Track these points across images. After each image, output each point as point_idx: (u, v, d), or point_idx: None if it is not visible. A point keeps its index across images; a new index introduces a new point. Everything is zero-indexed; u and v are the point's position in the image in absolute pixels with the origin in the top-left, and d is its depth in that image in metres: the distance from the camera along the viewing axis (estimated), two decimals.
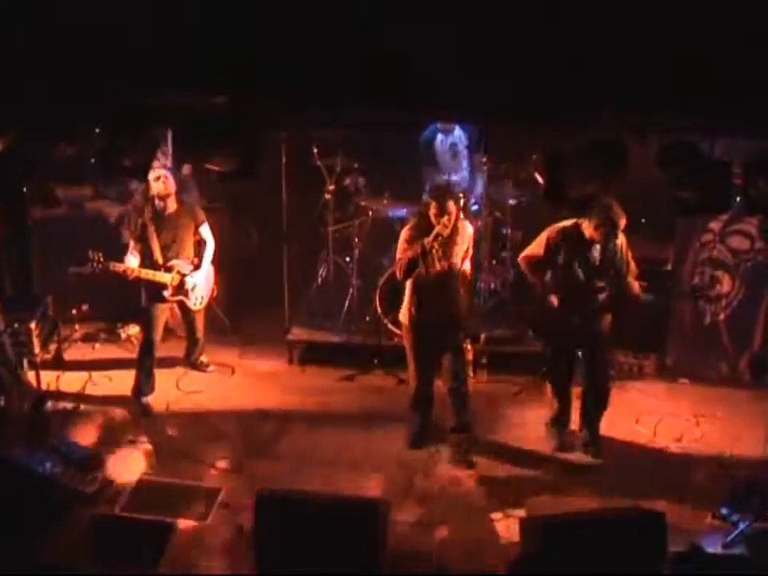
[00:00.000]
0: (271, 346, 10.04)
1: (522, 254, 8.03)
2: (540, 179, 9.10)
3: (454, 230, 7.72)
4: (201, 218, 9.00)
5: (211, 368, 9.67)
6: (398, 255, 7.82)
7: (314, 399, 9.11)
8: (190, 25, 5.71)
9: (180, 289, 8.84)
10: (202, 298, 9.14)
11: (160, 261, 8.70)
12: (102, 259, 8.53)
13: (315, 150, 10.10)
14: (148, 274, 8.65)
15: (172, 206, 8.72)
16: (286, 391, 9.27)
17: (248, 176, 6.92)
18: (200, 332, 9.48)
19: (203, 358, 9.67)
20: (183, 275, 8.82)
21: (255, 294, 10.57)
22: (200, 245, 9.06)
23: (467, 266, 8.04)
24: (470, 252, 8.08)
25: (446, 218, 7.51)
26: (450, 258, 7.76)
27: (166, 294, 8.77)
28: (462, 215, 7.98)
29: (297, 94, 6.07)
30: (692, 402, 9.01)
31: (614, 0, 5.26)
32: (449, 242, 7.72)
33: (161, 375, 9.12)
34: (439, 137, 10.21)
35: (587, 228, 7.54)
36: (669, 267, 9.50)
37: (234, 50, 5.90)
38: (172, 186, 8.63)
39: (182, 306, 9.06)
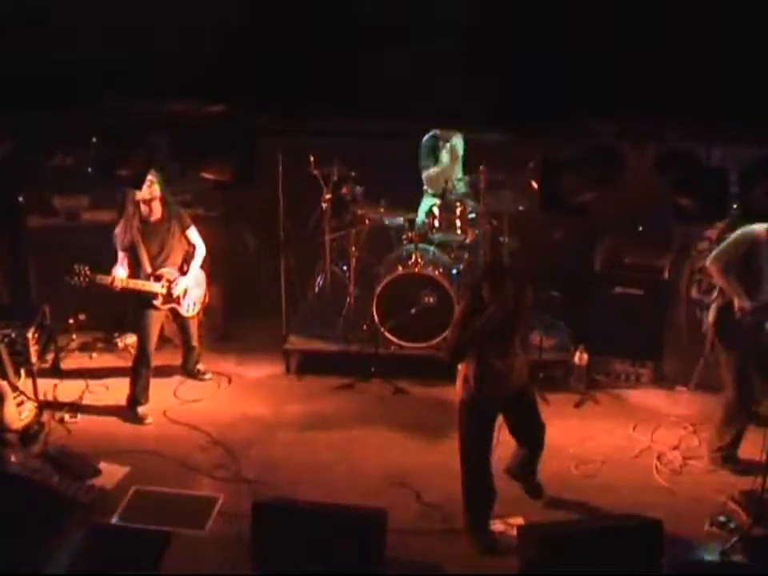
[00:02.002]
0: (268, 355, 10.04)
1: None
2: (536, 187, 9.14)
3: (516, 306, 6.80)
4: (187, 222, 8.97)
5: (208, 376, 9.66)
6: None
7: (312, 408, 9.10)
8: (186, 34, 5.71)
9: (170, 296, 8.84)
10: (195, 303, 9.15)
11: (149, 269, 8.71)
12: (88, 272, 8.55)
13: (312, 159, 10.11)
14: (137, 284, 8.66)
15: (157, 212, 8.70)
16: (283, 400, 9.26)
17: (244, 185, 6.92)
18: (195, 339, 9.48)
19: (200, 366, 9.66)
20: (172, 283, 8.84)
21: (252, 303, 10.58)
22: (190, 250, 9.06)
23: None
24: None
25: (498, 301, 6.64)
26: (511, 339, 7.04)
27: (157, 302, 8.77)
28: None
29: (293, 103, 6.07)
30: (690, 410, 9.01)
31: (611, 9, 5.26)
32: (511, 320, 6.92)
33: (158, 384, 9.14)
34: (438, 143, 10.19)
35: None
36: (666, 275, 9.50)
37: (230, 58, 5.90)
38: (156, 191, 8.61)
39: (175, 313, 9.06)
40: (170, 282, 8.81)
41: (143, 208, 8.63)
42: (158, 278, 8.75)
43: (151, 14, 5.71)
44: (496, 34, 5.51)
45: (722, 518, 7.19)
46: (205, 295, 9.32)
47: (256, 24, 5.77)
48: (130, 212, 8.67)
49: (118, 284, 8.59)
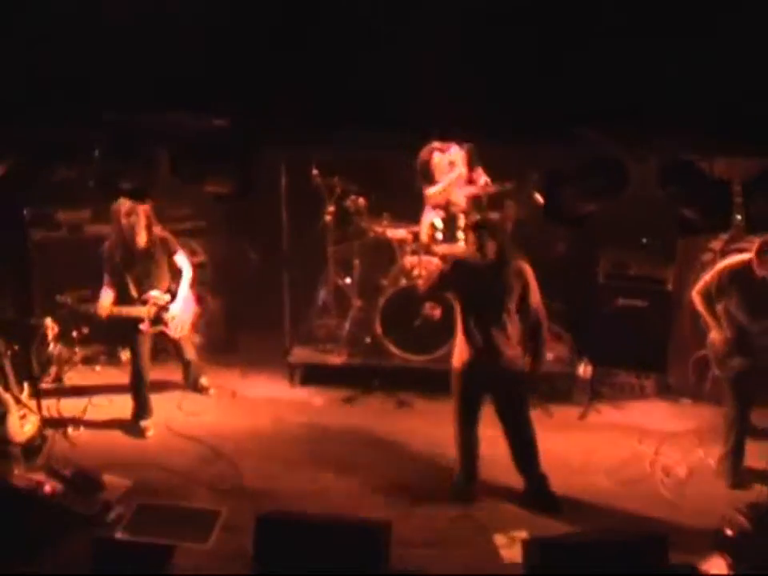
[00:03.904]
0: (272, 368, 10.04)
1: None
2: (541, 198, 9.14)
3: (503, 277, 7.45)
4: (174, 248, 9.00)
5: (212, 391, 9.66)
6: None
7: (315, 421, 9.10)
8: (188, 47, 5.73)
9: (158, 320, 8.87)
10: (182, 326, 9.14)
11: (134, 294, 8.74)
12: (70, 303, 8.69)
13: (315, 171, 10.11)
14: (121, 311, 8.72)
15: (142, 238, 8.69)
16: (286, 413, 9.26)
17: (245, 197, 6.94)
18: (190, 354, 9.49)
19: (204, 381, 9.66)
20: (160, 307, 8.85)
21: (255, 316, 10.57)
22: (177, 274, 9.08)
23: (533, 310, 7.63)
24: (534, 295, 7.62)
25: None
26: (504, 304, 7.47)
27: (143, 327, 8.80)
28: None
29: (295, 116, 6.09)
30: (695, 422, 8.98)
31: (614, 21, 5.28)
32: (496, 292, 7.45)
33: (162, 397, 9.19)
34: (436, 155, 10.18)
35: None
36: (670, 286, 9.49)
37: (232, 71, 5.93)
38: (142, 221, 8.62)
39: (164, 335, 9.09)
40: (158, 306, 8.84)
41: (127, 233, 8.64)
42: (144, 302, 8.77)
43: (152, 28, 5.73)
44: (498, 45, 5.53)
45: (727, 531, 7.16)
46: (194, 314, 9.36)
47: (258, 37, 5.80)
48: (114, 236, 8.71)
49: (102, 312, 8.67)
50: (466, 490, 7.77)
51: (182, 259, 9.06)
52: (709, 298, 7.88)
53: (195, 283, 9.29)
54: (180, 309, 9.02)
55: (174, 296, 8.97)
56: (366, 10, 5.59)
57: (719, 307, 7.86)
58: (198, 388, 9.62)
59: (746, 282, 7.68)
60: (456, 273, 7.58)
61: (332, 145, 7.92)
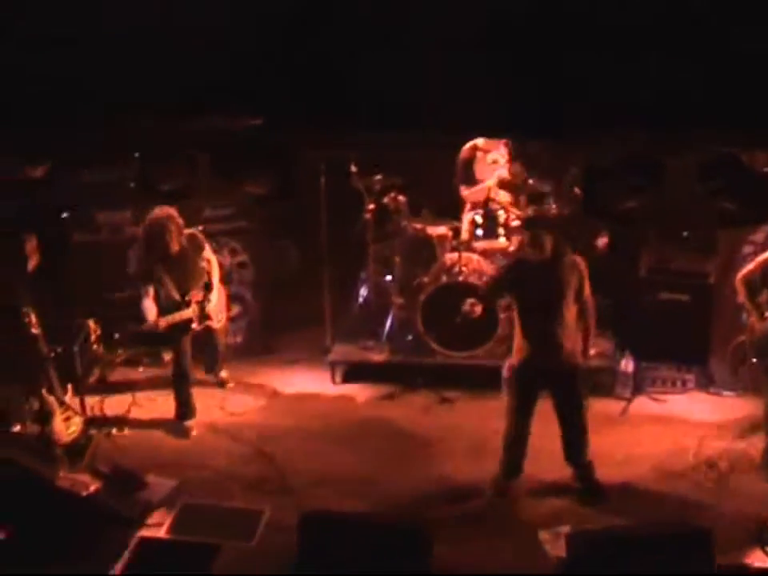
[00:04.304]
0: (312, 366, 10.09)
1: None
2: (580, 194, 9.14)
3: (561, 272, 7.50)
4: (202, 244, 9.07)
5: (231, 384, 9.75)
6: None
7: (357, 419, 9.16)
8: (224, 50, 5.79)
9: (203, 316, 8.99)
10: (222, 314, 9.34)
11: (177, 298, 8.83)
12: (135, 330, 8.95)
13: (354, 169, 10.14)
14: (174, 318, 8.78)
15: (175, 244, 8.70)
16: (328, 411, 9.31)
17: (286, 197, 6.99)
18: (220, 344, 9.62)
19: (224, 374, 9.77)
20: (201, 302, 8.97)
21: (296, 315, 10.64)
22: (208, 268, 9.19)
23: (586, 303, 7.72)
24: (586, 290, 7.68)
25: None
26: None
27: (194, 326, 8.93)
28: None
29: (333, 116, 6.13)
30: (738, 416, 8.94)
31: (649, 20, 5.28)
32: (554, 288, 7.49)
33: (205, 397, 9.25)
34: (478, 155, 10.20)
35: None
36: (711, 280, 9.45)
37: (270, 72, 5.97)
38: (172, 228, 8.61)
39: (207, 327, 9.21)
40: (199, 302, 8.95)
41: (160, 244, 8.64)
42: (188, 304, 8.88)
43: (188, 32, 5.79)
44: (538, 45, 5.54)
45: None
46: (227, 304, 9.52)
47: (294, 38, 5.84)
48: (144, 246, 8.80)
49: (163, 324, 8.71)
50: (508, 485, 7.80)
51: (208, 252, 9.16)
52: (752, 285, 7.87)
53: (235, 282, 9.38)
54: (217, 299, 9.16)
55: (209, 288, 9.09)
56: (402, 8, 5.62)
57: (762, 297, 7.85)
58: (218, 381, 9.73)
59: None
60: (516, 272, 7.66)
61: (371, 144, 7.95)
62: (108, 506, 7.43)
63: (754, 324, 7.94)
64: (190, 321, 8.88)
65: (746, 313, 8.14)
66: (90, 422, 8.73)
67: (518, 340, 7.61)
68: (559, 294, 7.42)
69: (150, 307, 8.75)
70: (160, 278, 8.73)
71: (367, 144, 7.61)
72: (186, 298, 8.85)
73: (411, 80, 5.78)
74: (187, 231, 8.94)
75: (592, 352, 8.51)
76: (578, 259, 7.59)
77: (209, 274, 9.12)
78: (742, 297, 8.01)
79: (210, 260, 9.18)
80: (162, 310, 8.76)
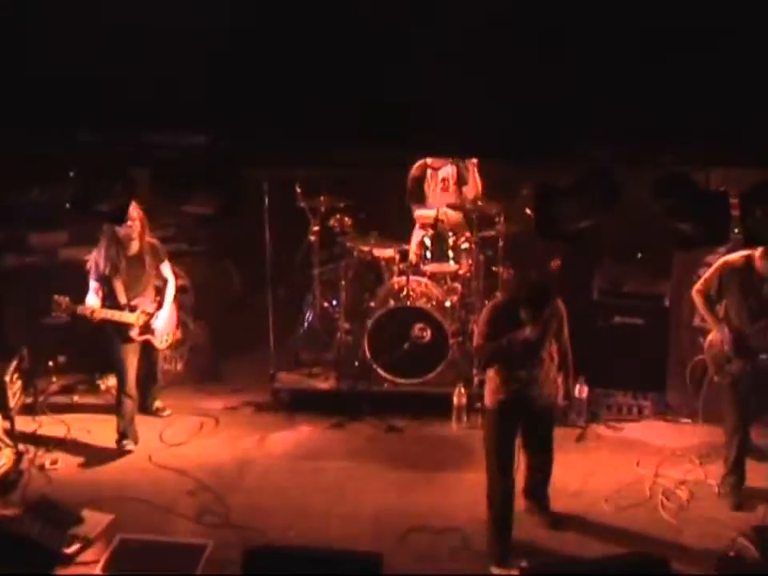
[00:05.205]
0: (257, 394, 10.00)
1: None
2: (532, 214, 9.15)
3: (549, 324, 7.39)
4: (162, 256, 9.07)
5: (168, 412, 9.63)
6: (476, 341, 7.45)
7: (302, 449, 9.06)
8: (166, 63, 5.71)
9: (146, 328, 8.88)
10: (168, 336, 9.20)
11: (123, 301, 8.74)
12: (68, 303, 8.63)
13: (299, 190, 10.11)
14: (114, 314, 8.70)
15: (136, 245, 8.77)
16: (272, 441, 9.22)
17: (228, 218, 6.91)
18: (158, 371, 9.54)
19: (159, 404, 9.66)
20: (148, 314, 8.88)
21: (239, 340, 10.57)
22: (162, 284, 9.15)
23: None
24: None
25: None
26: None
27: (133, 334, 8.81)
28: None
29: (278, 133, 6.07)
30: (695, 442, 8.97)
31: (605, 31, 5.28)
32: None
33: (143, 427, 9.13)
34: (429, 173, 10.21)
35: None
36: (666, 303, 9.50)
37: (212, 87, 5.91)
38: (137, 228, 8.68)
39: (147, 345, 9.06)
40: (146, 314, 8.87)
41: (121, 241, 8.68)
42: (132, 309, 8.79)
43: (128, 42, 5.71)
44: (491, 60, 5.53)
45: (731, 555, 7.14)
46: (176, 328, 9.39)
47: (238, 52, 5.78)
48: (105, 243, 8.71)
49: (98, 314, 8.65)
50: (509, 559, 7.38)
51: (167, 269, 9.13)
52: (709, 296, 7.92)
53: (178, 305, 9.32)
54: (166, 318, 9.06)
55: (159, 305, 9.02)
56: (350, 24, 5.59)
57: (719, 308, 7.90)
58: (152, 411, 9.60)
59: (746, 280, 7.73)
60: (504, 315, 7.36)
61: (316, 163, 7.90)
62: (42, 543, 7.27)
63: (714, 339, 7.96)
64: (129, 326, 8.78)
65: (704, 333, 8.17)
66: (22, 454, 8.57)
67: (496, 381, 7.40)
68: (543, 338, 7.36)
69: (91, 298, 8.72)
70: (111, 277, 8.66)
71: (315, 161, 7.55)
72: (132, 304, 8.76)
73: (361, 95, 5.73)
74: (150, 239, 8.92)
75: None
76: (560, 303, 7.54)
77: (160, 291, 9.05)
78: (699, 307, 8.05)
79: (168, 278, 9.13)
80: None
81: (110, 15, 5.58)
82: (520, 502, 7.65)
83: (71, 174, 6.81)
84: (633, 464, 8.63)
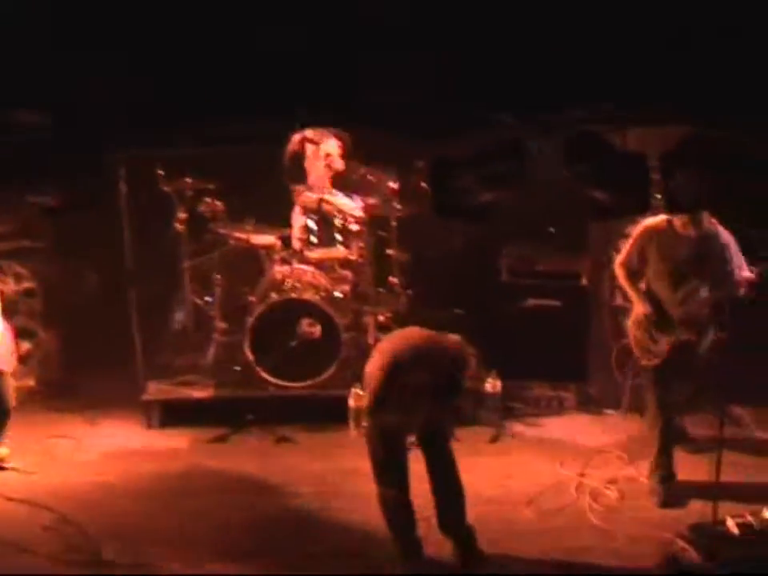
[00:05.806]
0: (124, 410, 9.91)
1: None
2: (428, 189, 9.14)
3: None
4: None
5: (11, 464, 9.11)
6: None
7: (179, 469, 8.94)
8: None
9: None
10: (12, 356, 8.84)
11: None
12: None
13: (160, 173, 9.97)
14: None
15: None
16: (142, 463, 9.06)
17: (80, 210, 6.80)
18: (12, 398, 8.91)
19: (3, 450, 9.04)
20: None
21: (99, 349, 10.42)
22: None
23: None
24: None
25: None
26: None
27: None
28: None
29: (130, 108, 5.98)
30: (622, 436, 9.07)
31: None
32: None
33: None
34: (309, 147, 10.14)
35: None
36: (584, 281, 9.58)
37: (56, 58, 5.81)
38: None
39: None
40: None
41: None
42: None
43: None
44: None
45: (671, 559, 7.20)
46: (16, 346, 9.08)
47: (85, 23, 5.70)
48: None
49: None
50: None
51: None
52: (631, 267, 7.99)
53: (23, 314, 9.12)
54: (2, 336, 8.70)
55: None
56: None
57: (642, 284, 7.99)
58: None
59: (668, 243, 7.82)
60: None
61: (178, 141, 7.81)
62: None
63: (638, 313, 8.03)
64: None
65: (627, 314, 8.25)
66: None
67: None
68: None
69: None
70: None
71: (180, 140, 7.47)
72: None
73: (226, 63, 5.68)
74: None
75: None
76: None
77: None
78: (621, 281, 8.11)
79: None
80: None
81: None
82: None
83: None
84: (555, 463, 8.68)
